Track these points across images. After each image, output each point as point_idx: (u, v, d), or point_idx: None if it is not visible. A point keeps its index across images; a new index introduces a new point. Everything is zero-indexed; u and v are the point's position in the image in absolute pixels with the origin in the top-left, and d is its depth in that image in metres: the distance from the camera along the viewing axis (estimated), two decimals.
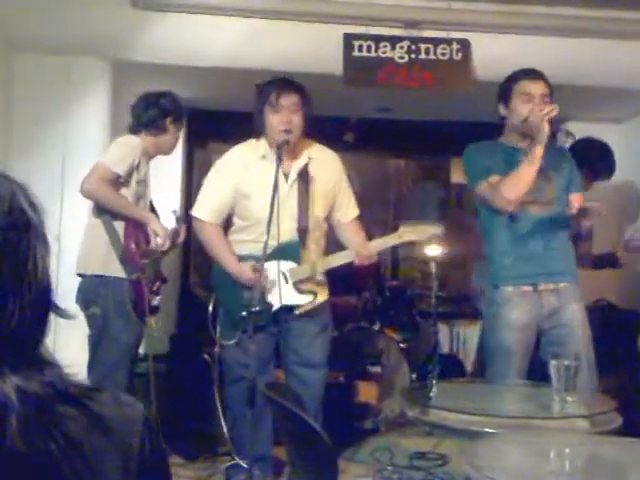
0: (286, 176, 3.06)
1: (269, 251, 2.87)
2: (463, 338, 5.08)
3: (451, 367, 4.33)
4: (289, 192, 3.05)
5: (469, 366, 4.68)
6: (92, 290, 3.05)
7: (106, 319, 3.02)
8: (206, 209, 3.14)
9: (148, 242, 3.15)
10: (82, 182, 3.00)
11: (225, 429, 3.28)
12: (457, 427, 2.15)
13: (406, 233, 3.02)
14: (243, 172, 3.08)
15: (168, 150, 3.37)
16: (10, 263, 0.79)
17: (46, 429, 0.78)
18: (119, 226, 3.09)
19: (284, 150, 2.95)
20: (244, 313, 2.81)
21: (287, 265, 3.05)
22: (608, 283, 3.95)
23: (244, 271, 3.00)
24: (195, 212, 3.17)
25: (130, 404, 0.90)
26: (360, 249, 3.03)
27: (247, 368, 2.73)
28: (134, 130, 3.23)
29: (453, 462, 1.84)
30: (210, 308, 3.20)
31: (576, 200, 3.00)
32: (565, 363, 2.36)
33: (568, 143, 2.66)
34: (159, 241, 3.12)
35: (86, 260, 3.09)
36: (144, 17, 3.80)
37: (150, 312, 3.15)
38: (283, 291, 3.02)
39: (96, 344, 3.05)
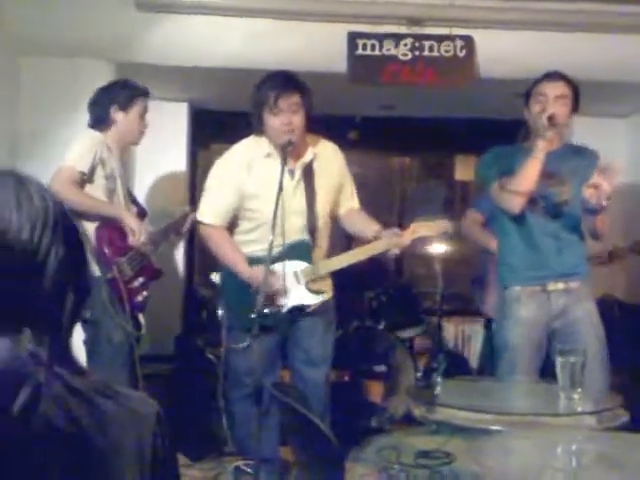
0: (291, 174, 3.02)
1: (278, 251, 2.87)
2: (468, 336, 5.07)
3: (456, 365, 4.32)
4: (295, 191, 3.02)
5: (474, 364, 4.68)
6: None
7: (97, 320, 2.99)
8: (212, 212, 3.08)
9: (125, 239, 3.09)
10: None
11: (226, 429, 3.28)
12: (463, 425, 2.15)
13: (419, 228, 3.06)
14: (247, 172, 3.02)
15: (132, 139, 3.27)
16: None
17: (67, 414, 0.80)
18: (89, 228, 3.03)
19: (288, 151, 2.91)
20: (254, 315, 2.79)
21: (299, 265, 3.03)
22: (615, 279, 3.94)
23: (256, 275, 2.93)
24: (200, 216, 3.12)
25: (143, 402, 0.90)
26: (398, 238, 3.02)
27: (253, 373, 2.68)
28: (91, 127, 3.19)
29: (459, 460, 1.83)
30: (220, 312, 3.17)
31: (586, 191, 2.75)
32: (571, 360, 2.35)
33: None
34: (138, 238, 3.07)
35: None
36: (148, 19, 3.80)
37: (134, 309, 3.09)
38: (295, 292, 3.01)
39: (92, 347, 3.02)
